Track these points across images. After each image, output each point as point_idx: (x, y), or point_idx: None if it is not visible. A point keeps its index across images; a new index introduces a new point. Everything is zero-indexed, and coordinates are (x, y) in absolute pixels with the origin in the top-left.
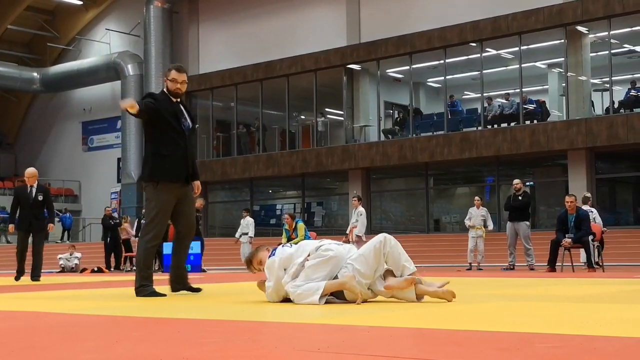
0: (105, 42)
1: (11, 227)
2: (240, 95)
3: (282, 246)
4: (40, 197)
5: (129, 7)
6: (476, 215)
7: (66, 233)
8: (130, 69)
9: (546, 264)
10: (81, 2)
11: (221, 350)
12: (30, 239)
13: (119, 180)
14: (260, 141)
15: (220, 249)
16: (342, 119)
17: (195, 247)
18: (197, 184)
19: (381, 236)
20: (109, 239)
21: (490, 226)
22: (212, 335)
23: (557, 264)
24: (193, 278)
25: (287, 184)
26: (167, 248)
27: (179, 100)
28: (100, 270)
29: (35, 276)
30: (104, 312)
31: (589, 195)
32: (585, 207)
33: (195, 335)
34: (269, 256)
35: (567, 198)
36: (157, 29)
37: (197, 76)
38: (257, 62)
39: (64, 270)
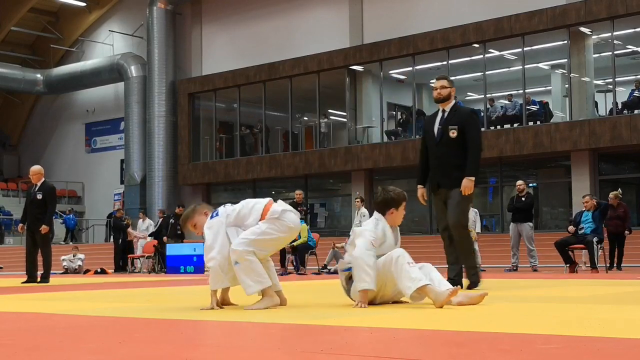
0: (109, 44)
1: (20, 226)
2: (243, 97)
3: (224, 206)
4: (39, 196)
5: (132, 9)
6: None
7: (69, 234)
8: (133, 71)
9: (549, 265)
10: (84, 4)
11: (224, 351)
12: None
13: (122, 182)
14: (263, 142)
15: None
16: (345, 120)
17: (199, 248)
18: None
19: (396, 253)
20: (120, 240)
21: (477, 229)
22: (214, 336)
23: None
24: (196, 279)
25: (290, 185)
26: (171, 249)
27: None
28: (103, 272)
29: (43, 278)
30: (108, 314)
31: (618, 191)
32: None
33: (198, 337)
34: (210, 217)
35: (583, 199)
36: (160, 30)
37: (200, 78)
38: (259, 64)
39: (67, 271)
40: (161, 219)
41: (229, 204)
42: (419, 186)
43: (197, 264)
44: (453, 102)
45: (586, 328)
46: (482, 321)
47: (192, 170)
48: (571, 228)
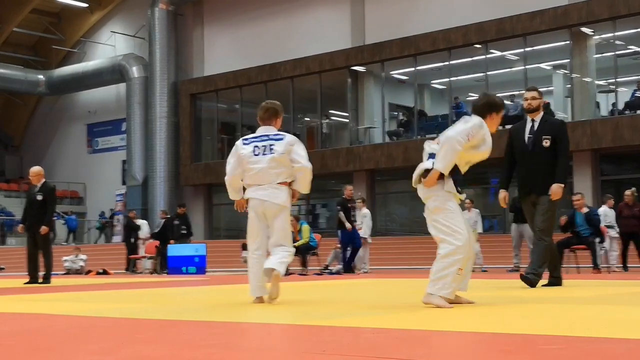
0: (110, 45)
1: (20, 227)
2: (245, 98)
3: None
4: (39, 197)
5: (134, 10)
6: (467, 218)
7: (71, 235)
8: (135, 71)
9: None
10: (86, 5)
11: (225, 352)
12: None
13: (124, 183)
14: None
15: (225, 251)
16: (346, 120)
17: (200, 249)
18: None
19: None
20: (132, 239)
21: (479, 229)
22: (216, 337)
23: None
24: (197, 280)
25: None
26: (172, 250)
27: None
28: (105, 272)
29: (44, 279)
30: (110, 314)
31: (633, 190)
32: (603, 208)
33: (199, 338)
34: None
35: (574, 197)
36: (161, 31)
37: (201, 78)
38: (261, 64)
39: (69, 272)
40: (164, 220)
41: None
42: (501, 190)
43: (198, 265)
44: (542, 113)
45: (588, 328)
46: (483, 322)
47: (194, 171)
48: (563, 218)
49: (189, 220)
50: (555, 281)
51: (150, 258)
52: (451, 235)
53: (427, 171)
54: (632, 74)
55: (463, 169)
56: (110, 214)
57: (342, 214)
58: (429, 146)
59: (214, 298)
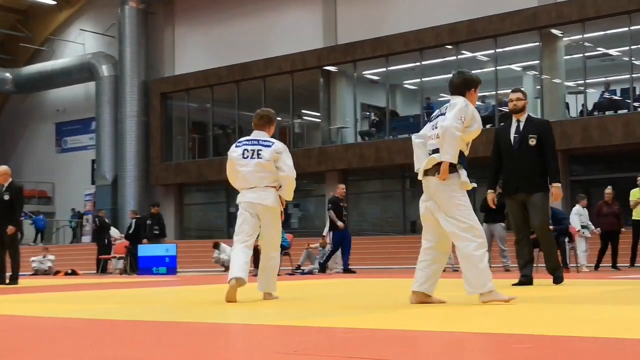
0: (80, 43)
1: None
2: (216, 97)
3: None
4: (6, 197)
5: (103, 8)
6: None
7: (39, 235)
8: (104, 70)
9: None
10: (55, 2)
11: (195, 353)
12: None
13: (93, 182)
14: None
15: (197, 251)
16: (318, 120)
17: (171, 249)
18: None
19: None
20: (106, 240)
21: None
22: (186, 338)
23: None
24: (168, 280)
25: None
26: (143, 250)
27: None
28: (74, 273)
29: (12, 279)
30: (78, 315)
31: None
32: (577, 208)
33: (169, 338)
34: None
35: None
36: (132, 29)
37: (172, 77)
38: (233, 64)
39: (37, 273)
40: (134, 220)
41: None
42: (490, 191)
43: (169, 265)
44: (527, 113)
45: (558, 327)
46: (454, 321)
47: (164, 171)
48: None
49: (163, 220)
50: (525, 280)
51: (120, 258)
52: (469, 232)
53: (434, 166)
54: (600, 75)
55: (466, 152)
56: (79, 214)
57: (332, 213)
58: (423, 145)
59: (185, 298)
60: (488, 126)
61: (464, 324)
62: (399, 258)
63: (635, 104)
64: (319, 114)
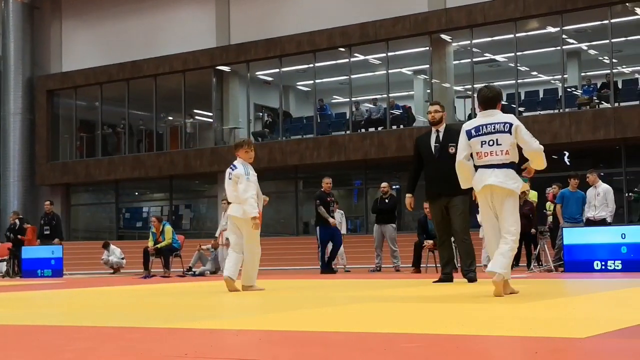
0: None
1: None
2: (106, 95)
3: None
4: None
5: None
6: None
7: None
8: None
9: (411, 265)
10: None
11: (85, 358)
12: None
13: None
14: (126, 142)
15: (84, 253)
16: (211, 120)
17: (56, 251)
18: None
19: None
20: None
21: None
22: (76, 342)
23: (421, 265)
24: (53, 283)
25: (154, 186)
26: (27, 252)
27: None
28: None
29: None
30: None
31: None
32: None
33: (58, 343)
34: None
35: (425, 204)
36: (16, 24)
37: (59, 74)
38: (123, 62)
39: None
40: (17, 221)
41: None
42: (408, 195)
43: (55, 267)
44: (445, 124)
45: (447, 326)
46: (346, 321)
47: (51, 170)
48: (430, 243)
49: (58, 220)
50: (445, 278)
51: (1, 261)
52: (514, 235)
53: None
54: (487, 80)
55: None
56: None
57: (322, 209)
58: (479, 158)
59: (75, 301)
60: (380, 128)
61: (354, 324)
62: (291, 259)
63: (520, 109)
64: (211, 114)
